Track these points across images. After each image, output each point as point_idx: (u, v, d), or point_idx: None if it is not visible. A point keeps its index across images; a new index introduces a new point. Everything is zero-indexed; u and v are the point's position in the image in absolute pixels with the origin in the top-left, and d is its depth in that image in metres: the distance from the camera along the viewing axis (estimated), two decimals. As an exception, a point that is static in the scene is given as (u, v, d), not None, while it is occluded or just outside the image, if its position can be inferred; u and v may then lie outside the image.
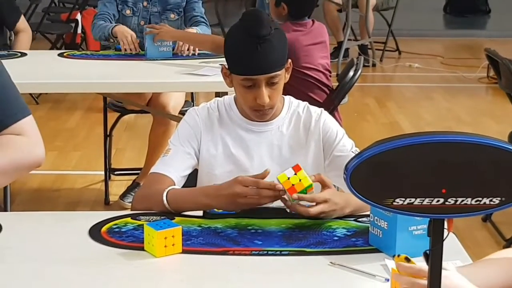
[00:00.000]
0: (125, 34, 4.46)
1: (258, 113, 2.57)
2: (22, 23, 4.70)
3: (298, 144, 2.63)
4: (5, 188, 3.65)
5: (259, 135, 2.62)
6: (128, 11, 4.66)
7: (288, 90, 3.83)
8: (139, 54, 4.45)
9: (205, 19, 4.72)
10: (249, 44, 2.47)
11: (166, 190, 2.45)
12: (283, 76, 2.56)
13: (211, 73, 3.92)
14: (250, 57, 2.48)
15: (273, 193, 2.31)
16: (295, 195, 2.32)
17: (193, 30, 4.51)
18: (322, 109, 2.70)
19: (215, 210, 2.42)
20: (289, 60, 2.60)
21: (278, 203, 2.43)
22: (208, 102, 2.68)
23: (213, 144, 2.61)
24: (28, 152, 2.36)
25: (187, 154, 2.59)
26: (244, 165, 2.60)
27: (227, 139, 2.62)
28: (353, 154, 2.51)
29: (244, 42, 2.48)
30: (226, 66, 2.58)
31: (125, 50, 4.44)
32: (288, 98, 2.70)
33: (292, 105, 2.67)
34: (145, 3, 4.68)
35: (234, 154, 2.61)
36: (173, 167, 2.55)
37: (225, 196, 2.35)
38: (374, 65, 8.43)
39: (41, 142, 2.39)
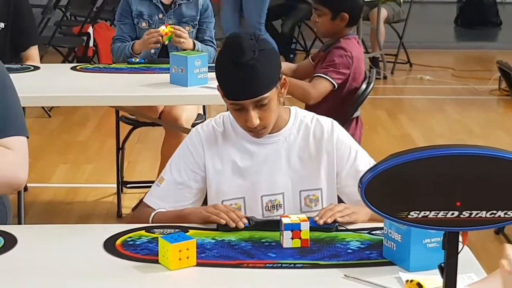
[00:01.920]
0: (144, 37, 4.49)
1: (252, 133, 2.58)
2: (34, 51, 4.68)
3: (309, 156, 2.62)
4: (19, 201, 3.66)
5: (266, 147, 2.62)
6: (144, 24, 4.69)
7: (331, 101, 3.86)
8: (152, 67, 4.46)
9: (214, 43, 4.78)
10: (232, 70, 2.47)
11: (154, 212, 2.58)
12: (274, 96, 2.53)
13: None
14: (234, 83, 2.49)
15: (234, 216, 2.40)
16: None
17: (198, 45, 4.58)
18: (333, 120, 2.69)
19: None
20: (283, 76, 2.58)
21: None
22: (213, 118, 2.69)
23: (219, 159, 2.62)
24: (13, 171, 2.37)
25: (183, 186, 2.61)
26: (252, 178, 2.61)
27: (234, 153, 2.62)
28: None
29: (227, 69, 2.49)
30: None
31: (153, 41, 4.47)
32: (294, 108, 2.69)
33: (298, 116, 2.67)
34: (160, 16, 4.70)
35: (242, 167, 2.61)
36: (163, 201, 2.62)
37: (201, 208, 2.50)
38: (385, 77, 8.42)
39: (26, 167, 2.39)
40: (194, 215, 2.49)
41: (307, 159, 2.62)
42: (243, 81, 2.46)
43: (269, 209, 2.59)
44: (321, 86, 3.97)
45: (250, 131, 2.56)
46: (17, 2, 4.52)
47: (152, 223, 2.52)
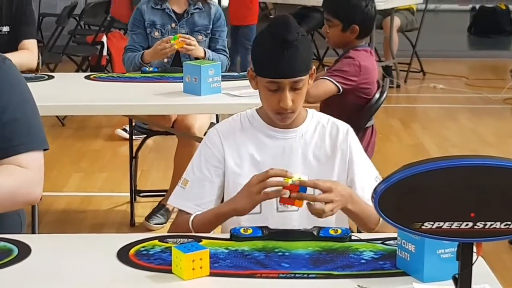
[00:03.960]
0: (156, 47, 4.50)
1: (280, 116, 2.62)
2: (31, 44, 4.60)
3: (325, 155, 2.68)
4: (33, 210, 3.67)
5: (282, 142, 2.67)
6: (156, 33, 4.70)
7: (342, 109, 3.86)
8: (165, 76, 4.47)
9: (226, 52, 4.79)
10: (276, 48, 2.53)
11: (192, 216, 2.57)
12: (306, 82, 2.62)
13: (244, 94, 3.97)
14: (276, 61, 2.55)
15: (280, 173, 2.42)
16: (295, 177, 2.42)
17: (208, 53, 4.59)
18: (349, 125, 2.75)
19: (242, 232, 2.42)
20: (313, 67, 2.65)
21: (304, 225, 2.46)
22: (230, 117, 2.75)
23: (237, 153, 2.66)
24: (29, 188, 2.39)
25: (207, 182, 2.65)
26: None
27: (251, 147, 2.67)
28: (374, 182, 2.58)
29: (270, 46, 2.55)
30: (253, 69, 2.64)
31: (169, 51, 4.48)
32: (311, 110, 2.75)
33: (315, 116, 2.73)
34: (173, 25, 4.72)
35: (259, 160, 2.65)
36: (190, 201, 2.64)
37: (241, 193, 2.48)
38: (398, 86, 8.42)
39: (42, 182, 2.42)
40: (237, 200, 2.50)
41: (322, 158, 2.67)
42: (285, 60, 2.53)
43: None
44: (322, 86, 3.97)
45: (280, 113, 2.61)
46: (19, 2, 4.50)
47: (193, 227, 2.54)
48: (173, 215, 4.75)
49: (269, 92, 2.60)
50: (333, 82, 3.97)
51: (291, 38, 2.52)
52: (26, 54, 4.51)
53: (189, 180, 2.66)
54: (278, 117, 2.63)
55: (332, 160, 2.67)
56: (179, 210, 2.68)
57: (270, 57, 2.56)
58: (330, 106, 4.02)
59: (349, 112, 3.95)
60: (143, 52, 4.60)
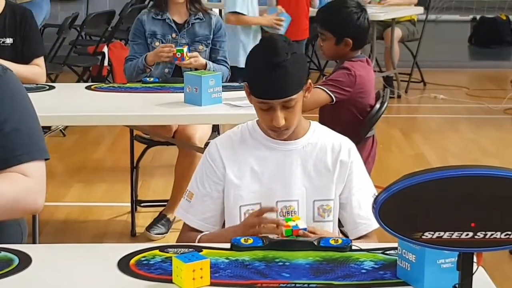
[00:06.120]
0: (158, 50, 4.52)
1: (275, 132, 2.65)
2: (40, 61, 4.61)
3: (325, 167, 2.69)
4: (34, 220, 3.67)
5: (283, 153, 2.68)
6: (157, 43, 4.71)
7: (338, 118, 3.85)
8: (166, 87, 4.47)
9: (227, 63, 4.80)
10: (264, 70, 2.55)
11: (198, 237, 2.62)
12: (300, 98, 2.62)
13: (244, 104, 3.97)
14: (265, 82, 2.56)
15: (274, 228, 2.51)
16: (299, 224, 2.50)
17: (209, 64, 4.61)
18: (353, 143, 2.76)
19: (242, 242, 2.43)
20: (309, 81, 2.66)
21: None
22: (231, 129, 2.76)
23: (238, 166, 2.68)
24: (31, 198, 2.39)
25: (208, 198, 2.69)
26: (269, 184, 2.66)
27: (251, 159, 2.68)
28: (371, 199, 2.59)
29: (259, 68, 2.57)
30: (247, 85, 2.66)
31: (166, 56, 4.50)
32: (314, 123, 2.77)
33: (317, 129, 2.74)
34: (173, 35, 4.73)
35: (259, 172, 2.67)
36: (195, 215, 2.70)
37: (240, 226, 2.55)
38: (399, 96, 8.43)
39: (44, 191, 2.42)
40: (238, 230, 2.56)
41: (323, 170, 2.69)
42: (274, 82, 2.54)
43: (284, 215, 2.65)
44: (314, 95, 3.94)
45: (274, 130, 2.63)
46: (23, 14, 4.49)
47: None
48: (174, 225, 4.76)
49: (262, 111, 2.62)
50: (326, 91, 3.97)
51: (278, 60, 2.52)
52: (38, 70, 4.53)
53: (194, 194, 2.71)
54: (273, 133, 2.66)
55: (332, 173, 2.68)
56: (184, 223, 2.73)
57: (259, 78, 2.58)
58: (326, 115, 4.03)
59: (344, 122, 3.94)
60: (147, 55, 4.62)
